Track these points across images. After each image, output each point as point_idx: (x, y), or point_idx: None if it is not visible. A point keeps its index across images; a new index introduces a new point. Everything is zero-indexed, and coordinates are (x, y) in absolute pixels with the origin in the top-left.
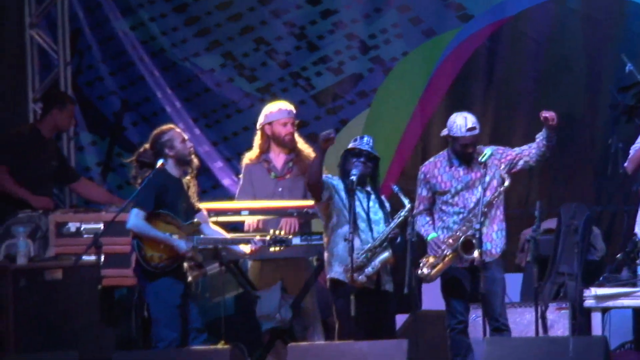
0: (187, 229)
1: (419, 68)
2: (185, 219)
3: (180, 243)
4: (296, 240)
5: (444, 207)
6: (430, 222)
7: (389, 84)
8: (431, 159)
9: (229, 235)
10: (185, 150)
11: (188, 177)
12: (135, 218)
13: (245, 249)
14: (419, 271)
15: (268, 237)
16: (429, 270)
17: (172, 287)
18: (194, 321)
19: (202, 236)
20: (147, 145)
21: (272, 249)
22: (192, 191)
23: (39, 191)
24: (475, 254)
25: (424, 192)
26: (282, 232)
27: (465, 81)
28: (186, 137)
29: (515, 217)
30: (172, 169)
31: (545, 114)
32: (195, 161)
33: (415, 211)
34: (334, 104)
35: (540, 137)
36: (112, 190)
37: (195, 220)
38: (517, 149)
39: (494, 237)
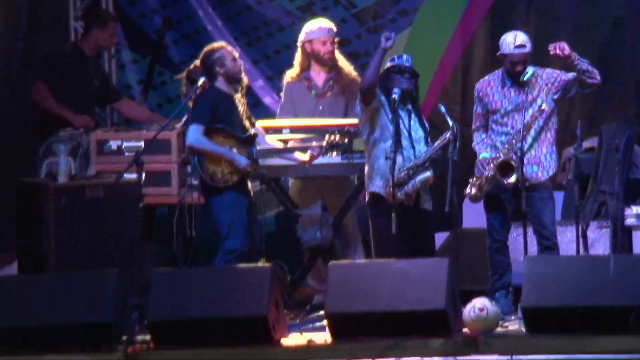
0: (245, 142)
1: None
2: (241, 134)
3: (241, 158)
4: (337, 159)
5: (494, 126)
6: (485, 140)
7: (430, 2)
8: (486, 77)
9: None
10: (236, 69)
11: (238, 95)
12: (194, 133)
13: (304, 156)
14: (466, 191)
15: (324, 143)
16: (475, 191)
17: (236, 201)
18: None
19: (260, 147)
20: (197, 62)
21: (329, 154)
22: (242, 110)
23: (80, 110)
24: (512, 178)
25: (479, 109)
26: (338, 137)
27: None
28: (237, 55)
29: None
30: (222, 86)
31: (553, 48)
32: (245, 79)
33: (472, 127)
34: (375, 22)
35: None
36: (153, 109)
37: (253, 132)
38: (570, 75)
39: (542, 160)
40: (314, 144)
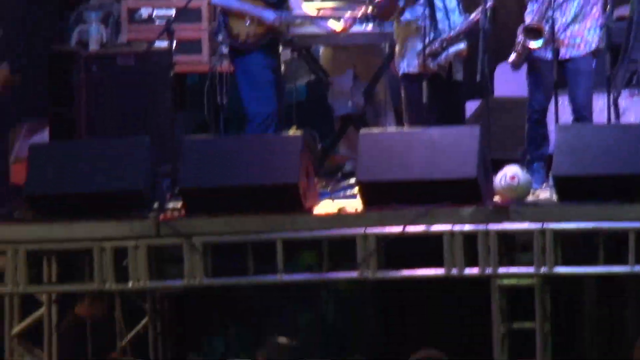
0: (276, 5)
1: None
2: None
3: (267, 13)
4: (368, 27)
5: None
6: (534, 10)
7: None
8: None
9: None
10: None
11: None
12: None
13: (337, 26)
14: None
15: (359, 14)
16: (514, 57)
17: (262, 63)
18: None
19: (291, 12)
20: None
21: (363, 26)
22: None
23: None
24: (536, 43)
25: None
26: (375, 10)
27: None
28: None
29: None
30: None
31: None
32: None
33: None
34: None
35: None
36: None
37: None
38: None
39: (585, 34)
40: (348, 14)
